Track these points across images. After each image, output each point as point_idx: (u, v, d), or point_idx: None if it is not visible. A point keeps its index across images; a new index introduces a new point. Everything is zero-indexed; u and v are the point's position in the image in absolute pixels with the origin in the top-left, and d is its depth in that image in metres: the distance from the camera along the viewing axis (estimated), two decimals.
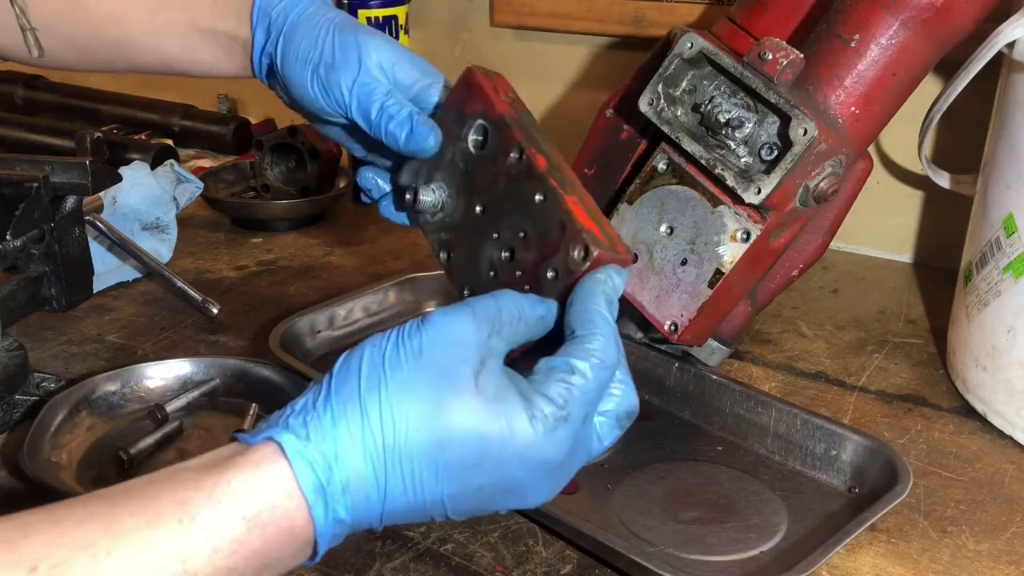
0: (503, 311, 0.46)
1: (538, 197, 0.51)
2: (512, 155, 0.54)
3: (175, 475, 0.41)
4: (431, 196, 0.58)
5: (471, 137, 0.57)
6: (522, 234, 0.52)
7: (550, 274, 0.50)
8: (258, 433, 0.42)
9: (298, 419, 0.42)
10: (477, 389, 0.43)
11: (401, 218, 0.64)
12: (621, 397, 0.50)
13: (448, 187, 0.58)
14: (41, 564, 0.37)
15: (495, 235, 0.54)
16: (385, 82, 0.60)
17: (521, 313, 0.47)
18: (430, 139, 0.58)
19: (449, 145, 0.58)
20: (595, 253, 0.48)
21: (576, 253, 0.49)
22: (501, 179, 0.54)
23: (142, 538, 0.39)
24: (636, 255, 0.69)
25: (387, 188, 0.64)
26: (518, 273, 0.53)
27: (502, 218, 0.54)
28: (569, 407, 0.45)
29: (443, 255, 0.59)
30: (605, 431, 0.48)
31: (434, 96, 0.61)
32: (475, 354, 0.44)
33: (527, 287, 0.51)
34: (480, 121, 0.56)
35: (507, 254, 0.54)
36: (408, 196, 0.58)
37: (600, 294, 0.48)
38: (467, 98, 0.57)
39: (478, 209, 0.56)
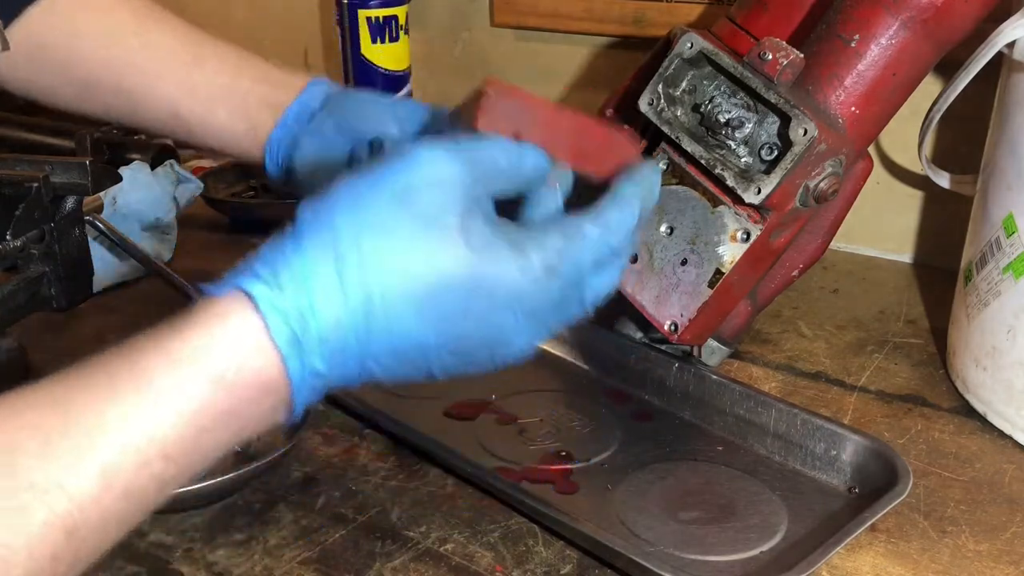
0: (494, 156, 0.44)
1: None
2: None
3: (136, 343, 0.39)
4: None
5: None
6: None
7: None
8: (223, 284, 0.40)
9: (267, 267, 0.40)
10: (463, 237, 0.41)
11: None
12: (610, 276, 0.48)
13: None
14: None
15: None
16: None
17: (510, 160, 0.45)
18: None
19: None
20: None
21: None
22: None
23: (97, 413, 0.37)
24: (636, 255, 0.69)
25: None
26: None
27: None
28: (563, 264, 0.43)
29: None
30: (588, 299, 0.47)
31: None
32: (460, 199, 0.42)
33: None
34: None
35: None
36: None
37: (637, 191, 0.47)
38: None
39: None
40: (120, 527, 0.38)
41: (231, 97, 0.69)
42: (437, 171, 0.42)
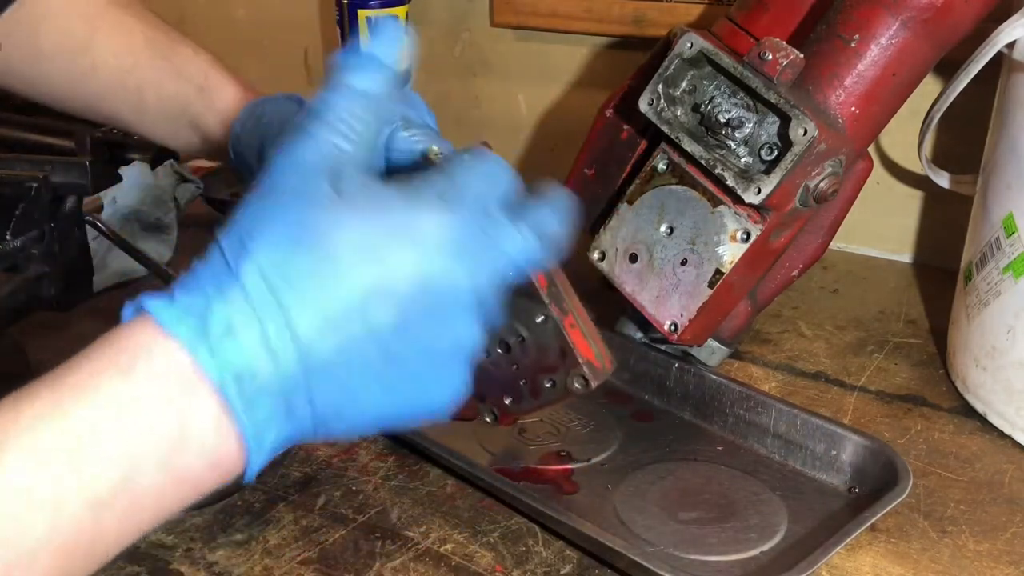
0: (336, 108, 0.42)
1: (539, 318, 0.53)
2: None
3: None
4: None
5: None
6: (520, 340, 0.54)
7: (547, 384, 0.54)
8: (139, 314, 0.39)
9: (194, 316, 0.39)
10: (341, 197, 0.40)
11: None
12: (538, 212, 0.44)
13: None
14: None
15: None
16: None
17: (353, 106, 0.42)
18: None
19: None
20: (593, 385, 0.53)
21: (576, 383, 0.53)
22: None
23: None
24: (636, 255, 0.69)
25: None
26: (514, 367, 0.55)
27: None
28: (458, 187, 0.42)
29: None
30: (524, 231, 0.43)
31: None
32: (323, 166, 0.41)
33: (523, 383, 0.55)
34: None
35: (502, 349, 0.55)
36: None
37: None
38: None
39: None
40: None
41: (180, 118, 0.70)
42: (293, 155, 0.41)
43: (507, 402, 0.57)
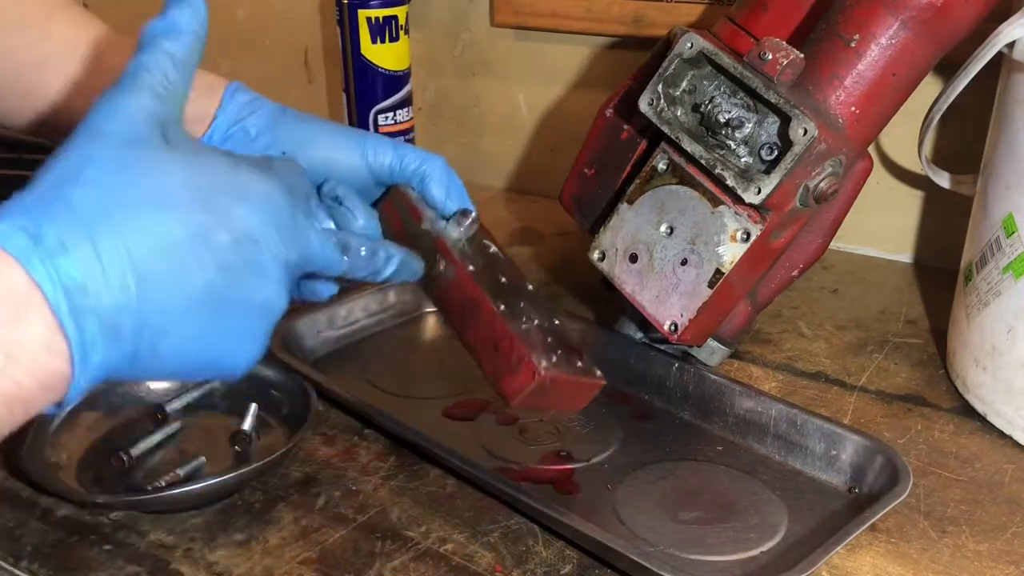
0: (150, 68, 0.44)
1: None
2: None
3: None
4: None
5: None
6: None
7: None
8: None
9: (28, 232, 0.39)
10: (169, 145, 0.43)
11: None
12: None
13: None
14: None
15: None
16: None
17: (161, 64, 0.45)
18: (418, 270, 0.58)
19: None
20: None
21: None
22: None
23: None
24: (636, 255, 0.70)
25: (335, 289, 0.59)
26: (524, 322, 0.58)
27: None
28: (273, 168, 0.47)
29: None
30: (325, 238, 0.49)
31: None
32: (148, 116, 0.43)
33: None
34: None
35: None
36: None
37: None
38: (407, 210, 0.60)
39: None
40: None
41: None
42: (119, 112, 0.43)
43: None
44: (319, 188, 0.57)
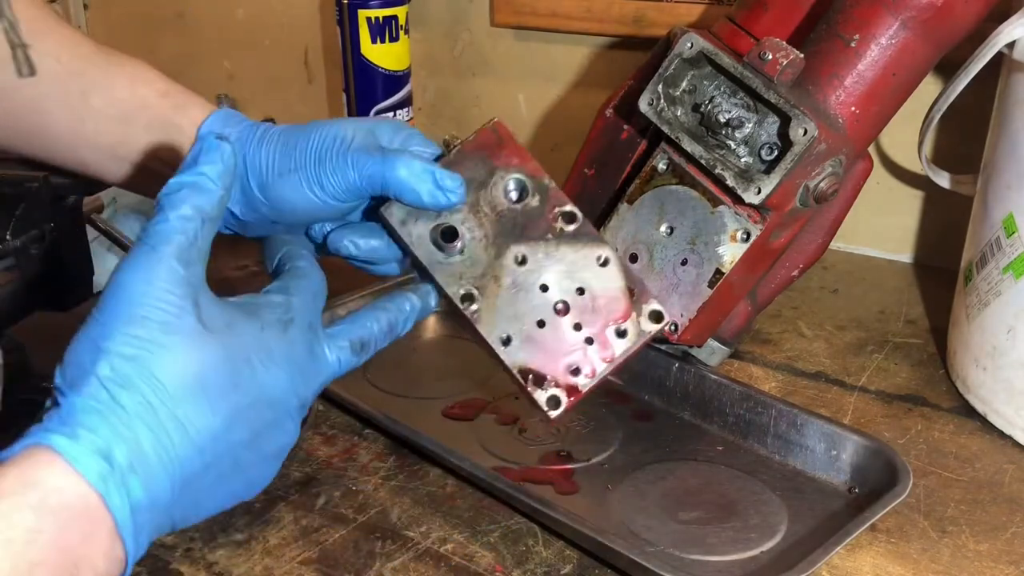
0: (181, 231, 0.44)
1: (601, 258, 0.57)
2: (562, 213, 0.58)
3: None
4: (468, 234, 0.57)
5: (510, 189, 0.58)
6: (579, 290, 0.57)
7: (616, 332, 0.56)
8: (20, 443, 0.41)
9: (63, 424, 0.41)
10: (205, 328, 0.44)
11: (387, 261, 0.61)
12: (351, 323, 0.53)
13: (474, 230, 0.57)
14: None
15: (541, 286, 0.57)
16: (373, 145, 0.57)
17: (191, 226, 0.45)
18: (459, 191, 0.56)
19: (471, 192, 0.57)
20: (666, 317, 0.57)
21: (649, 321, 0.57)
22: (550, 236, 0.57)
23: None
24: (636, 255, 0.69)
25: (373, 243, 0.59)
26: (576, 324, 0.56)
27: (549, 272, 0.57)
28: (293, 309, 0.49)
29: (469, 303, 0.57)
30: (343, 354, 0.52)
31: (414, 143, 0.58)
32: (186, 296, 0.44)
33: (589, 342, 0.56)
34: (517, 175, 0.58)
35: (561, 305, 0.57)
36: (441, 236, 0.56)
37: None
38: (496, 148, 0.58)
39: (515, 258, 0.57)
40: None
41: (133, 121, 0.64)
42: (148, 283, 0.44)
43: (575, 378, 0.56)
44: (326, 238, 0.60)
